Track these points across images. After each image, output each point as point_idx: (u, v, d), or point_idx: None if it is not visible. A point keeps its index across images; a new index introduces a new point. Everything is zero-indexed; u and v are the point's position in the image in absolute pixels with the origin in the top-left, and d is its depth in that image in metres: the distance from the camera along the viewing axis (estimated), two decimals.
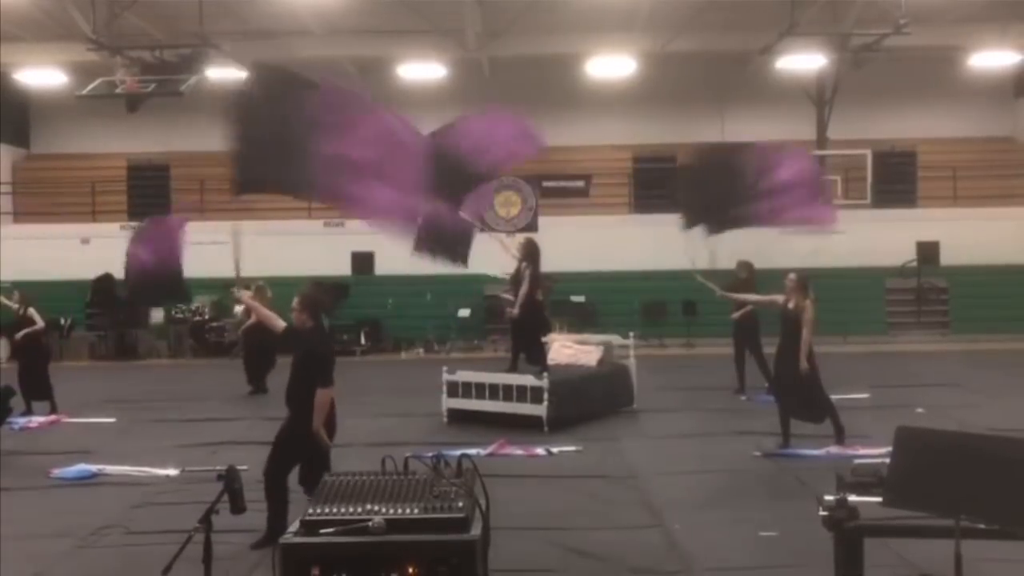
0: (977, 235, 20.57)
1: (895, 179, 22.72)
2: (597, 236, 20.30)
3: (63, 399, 12.63)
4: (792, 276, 9.82)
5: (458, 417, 11.43)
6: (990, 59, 20.42)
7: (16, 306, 12.79)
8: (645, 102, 22.72)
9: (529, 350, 11.74)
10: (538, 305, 11.87)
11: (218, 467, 4.74)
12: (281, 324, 7.08)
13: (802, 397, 9.61)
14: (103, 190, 22.60)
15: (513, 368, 11.79)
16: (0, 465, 9.28)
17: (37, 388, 12.43)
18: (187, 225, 9.47)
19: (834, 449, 9.39)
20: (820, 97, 21.91)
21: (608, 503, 7.81)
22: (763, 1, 17.89)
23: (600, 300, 20.35)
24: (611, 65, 20.49)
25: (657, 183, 23.45)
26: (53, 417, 12.22)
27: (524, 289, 11.50)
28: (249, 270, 21.32)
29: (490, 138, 7.63)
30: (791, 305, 9.65)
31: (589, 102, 22.58)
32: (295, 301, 6.76)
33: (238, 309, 20.30)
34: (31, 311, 12.66)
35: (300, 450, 6.52)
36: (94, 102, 18.03)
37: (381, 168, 6.30)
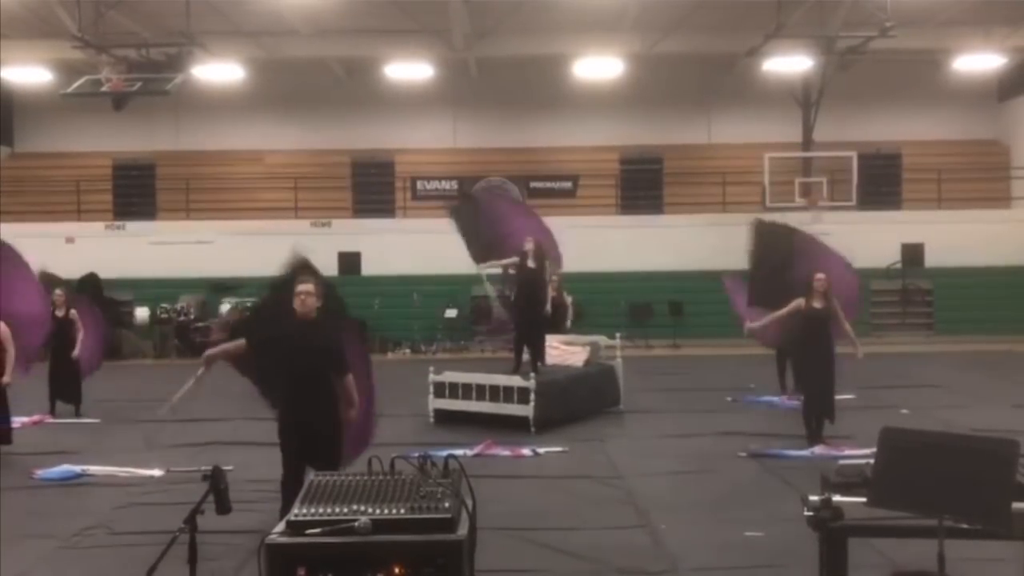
0: (961, 237, 20.72)
1: (880, 181, 22.87)
2: (584, 237, 20.29)
3: (46, 399, 12.53)
4: (821, 276, 9.77)
5: (445, 418, 11.43)
6: (975, 62, 20.57)
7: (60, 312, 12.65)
8: (632, 103, 22.78)
9: (540, 348, 11.88)
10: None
11: (203, 467, 4.71)
12: None
13: (830, 397, 9.78)
14: (88, 189, 22.49)
15: (517, 369, 11.78)
16: None
17: (68, 390, 12.42)
18: None
19: (819, 450, 9.45)
20: (806, 99, 22.01)
21: (594, 503, 7.82)
22: (750, 3, 17.96)
23: (587, 300, 20.37)
24: (599, 66, 20.53)
25: (644, 184, 23.55)
26: (37, 417, 12.14)
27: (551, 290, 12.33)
28: (231, 271, 21.20)
29: None
30: (818, 305, 9.66)
31: (576, 103, 22.63)
32: (311, 287, 6.27)
33: (223, 308, 20.32)
34: (73, 313, 12.62)
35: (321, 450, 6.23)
36: (79, 100, 17.94)
37: None
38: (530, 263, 11.93)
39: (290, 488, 6.25)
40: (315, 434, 6.28)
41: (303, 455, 6.28)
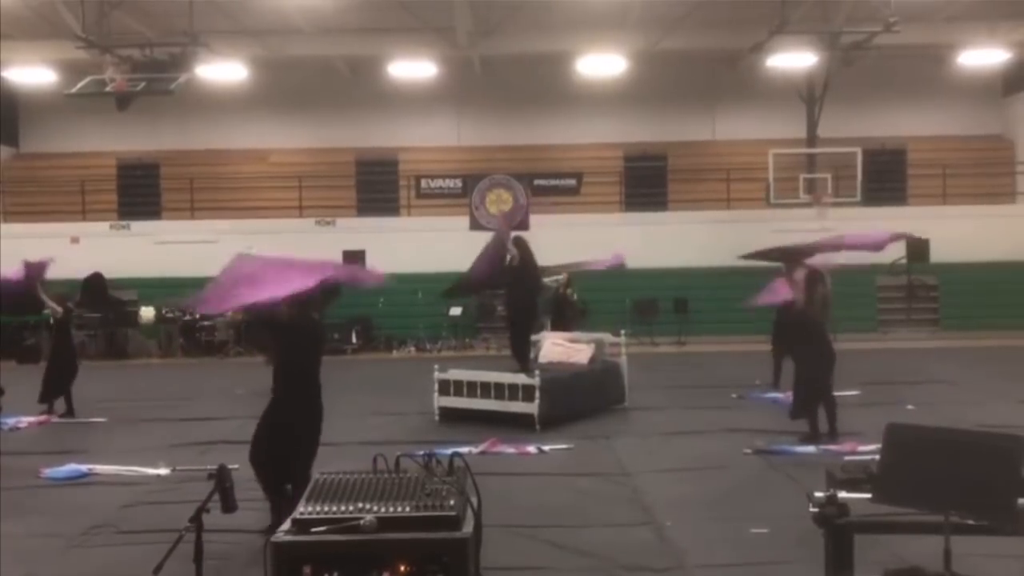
0: (966, 232, 20.67)
1: (885, 177, 22.82)
2: (588, 234, 20.29)
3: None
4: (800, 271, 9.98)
5: (450, 415, 11.44)
6: (979, 57, 20.49)
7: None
8: (636, 100, 22.75)
9: (522, 351, 11.83)
10: (531, 303, 12.09)
11: (209, 466, 4.73)
12: None
13: (827, 387, 9.90)
14: (93, 189, 22.53)
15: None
16: None
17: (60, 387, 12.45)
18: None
19: (824, 446, 9.44)
20: (810, 95, 21.95)
21: (599, 501, 7.83)
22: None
23: (591, 298, 20.37)
24: (602, 63, 20.48)
25: (648, 181, 23.53)
26: (43, 417, 12.17)
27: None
28: None
29: None
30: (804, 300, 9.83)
31: (580, 100, 22.61)
32: None
33: None
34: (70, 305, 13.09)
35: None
36: (84, 100, 17.95)
37: None
38: (513, 262, 11.73)
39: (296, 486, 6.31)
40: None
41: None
